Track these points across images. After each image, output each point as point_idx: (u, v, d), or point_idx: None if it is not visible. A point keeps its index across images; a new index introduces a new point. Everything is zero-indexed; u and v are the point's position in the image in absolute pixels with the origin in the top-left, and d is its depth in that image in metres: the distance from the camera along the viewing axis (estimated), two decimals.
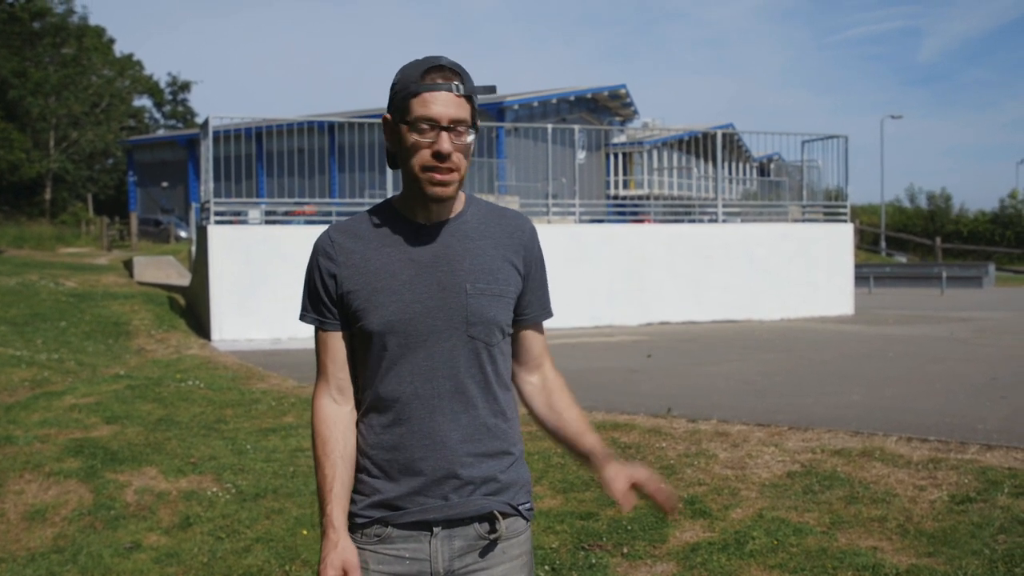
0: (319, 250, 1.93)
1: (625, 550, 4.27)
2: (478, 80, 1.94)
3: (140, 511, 5.12)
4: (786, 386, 7.97)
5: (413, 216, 1.91)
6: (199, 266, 13.20)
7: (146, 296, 14.26)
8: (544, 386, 2.04)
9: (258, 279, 11.94)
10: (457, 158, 1.83)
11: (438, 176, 1.83)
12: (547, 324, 2.08)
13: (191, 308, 13.77)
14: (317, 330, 1.95)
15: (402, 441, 1.87)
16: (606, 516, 4.67)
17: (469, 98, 1.84)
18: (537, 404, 2.04)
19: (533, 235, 1.99)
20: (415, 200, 1.89)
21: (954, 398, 7.15)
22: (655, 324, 13.87)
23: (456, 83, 1.82)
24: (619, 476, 1.93)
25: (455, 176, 1.85)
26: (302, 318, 1.97)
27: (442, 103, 1.81)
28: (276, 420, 6.88)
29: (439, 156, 1.81)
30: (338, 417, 1.92)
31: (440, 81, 1.81)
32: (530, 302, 1.99)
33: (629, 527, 4.50)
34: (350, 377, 1.95)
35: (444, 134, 1.81)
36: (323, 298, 1.91)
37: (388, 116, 1.89)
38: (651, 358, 9.97)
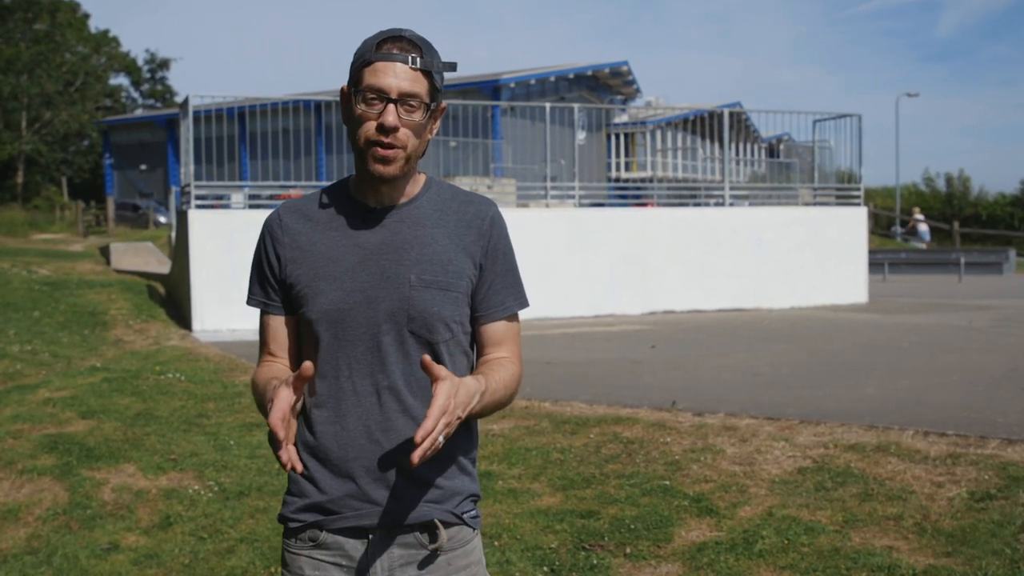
0: (267, 230, 1.90)
1: (628, 550, 4.24)
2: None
3: (118, 510, 5.08)
4: (796, 378, 7.90)
5: (364, 198, 1.85)
6: (179, 253, 13.07)
7: (124, 284, 14.13)
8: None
9: (241, 266, 11.66)
10: (404, 134, 1.77)
11: (380, 151, 1.76)
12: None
13: (171, 297, 13.67)
14: (262, 313, 1.92)
15: (337, 440, 1.80)
16: (608, 514, 4.62)
17: (428, 74, 1.77)
18: None
19: (496, 222, 1.88)
20: (364, 180, 1.83)
21: (973, 390, 7.07)
22: (659, 313, 13.74)
23: (413, 56, 1.76)
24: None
25: (399, 154, 1.78)
26: (248, 301, 1.95)
27: (394, 74, 1.75)
28: (260, 415, 6.74)
29: (383, 129, 1.75)
30: (277, 373, 1.85)
31: (395, 52, 1.76)
32: (486, 297, 1.87)
33: (632, 526, 4.46)
34: (291, 366, 1.90)
35: (391, 106, 1.75)
36: (269, 280, 1.89)
37: (344, 88, 1.83)
38: (655, 349, 9.87)
